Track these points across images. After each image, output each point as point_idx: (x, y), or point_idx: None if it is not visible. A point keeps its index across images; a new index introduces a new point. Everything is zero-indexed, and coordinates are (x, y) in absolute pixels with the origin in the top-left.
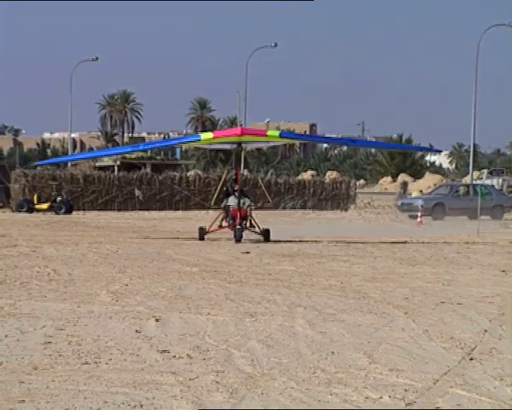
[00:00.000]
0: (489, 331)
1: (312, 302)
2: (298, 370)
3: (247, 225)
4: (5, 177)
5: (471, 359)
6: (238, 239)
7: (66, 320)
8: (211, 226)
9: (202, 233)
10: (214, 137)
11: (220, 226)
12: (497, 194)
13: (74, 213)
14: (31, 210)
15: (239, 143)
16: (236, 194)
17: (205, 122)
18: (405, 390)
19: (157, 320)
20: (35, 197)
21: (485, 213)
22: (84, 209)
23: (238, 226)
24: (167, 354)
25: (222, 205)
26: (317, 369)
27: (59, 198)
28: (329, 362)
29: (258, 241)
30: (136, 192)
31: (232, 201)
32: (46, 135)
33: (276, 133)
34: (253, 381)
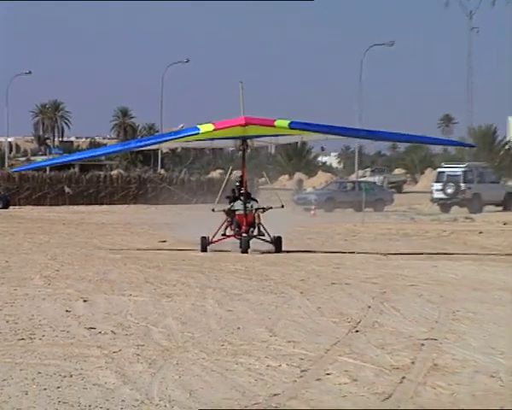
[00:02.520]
0: (372, 307)
1: (221, 284)
2: (208, 343)
3: (255, 232)
4: None
5: (357, 331)
6: (244, 249)
7: (4, 302)
8: (214, 236)
9: (205, 244)
10: (215, 130)
11: (224, 235)
12: (378, 189)
13: (11, 207)
14: None
15: (243, 140)
16: (242, 198)
17: (126, 128)
18: (301, 359)
19: (85, 301)
20: None
21: (368, 206)
22: (19, 204)
23: (244, 235)
24: (94, 330)
25: (225, 209)
26: (225, 342)
27: None
28: (235, 336)
29: (268, 252)
30: (66, 189)
31: (238, 205)
32: None
33: (285, 123)
34: (169, 353)
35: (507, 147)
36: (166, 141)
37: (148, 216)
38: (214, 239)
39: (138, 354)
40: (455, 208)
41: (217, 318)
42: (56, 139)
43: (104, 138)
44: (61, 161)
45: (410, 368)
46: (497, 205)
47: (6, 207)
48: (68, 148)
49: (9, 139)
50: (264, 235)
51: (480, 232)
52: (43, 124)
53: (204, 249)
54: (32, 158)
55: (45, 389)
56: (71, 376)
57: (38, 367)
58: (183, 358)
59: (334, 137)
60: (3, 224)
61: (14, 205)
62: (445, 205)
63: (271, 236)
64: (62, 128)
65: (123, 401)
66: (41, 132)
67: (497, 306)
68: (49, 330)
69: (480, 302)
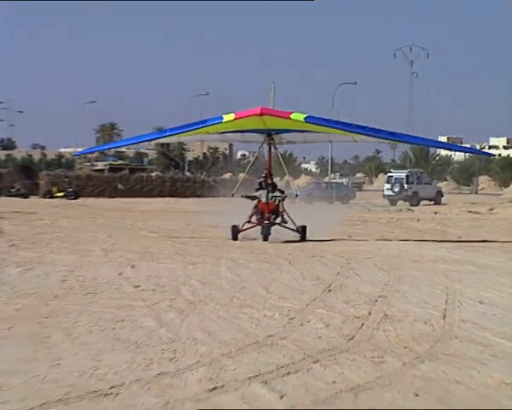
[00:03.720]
0: (340, 274)
1: (231, 256)
2: (221, 298)
3: (279, 220)
4: (33, 175)
5: (329, 290)
6: (265, 236)
7: (75, 266)
8: (244, 224)
9: (235, 232)
10: (236, 119)
11: (249, 223)
12: (345, 188)
13: (80, 199)
14: (52, 197)
15: (269, 134)
16: (269, 188)
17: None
18: (289, 310)
19: (132, 267)
20: (54, 188)
21: (337, 200)
22: (85, 197)
23: (266, 222)
24: (138, 288)
25: (245, 195)
26: (234, 298)
27: (69, 189)
28: (241, 293)
29: (293, 241)
30: (119, 186)
31: (260, 194)
32: None
33: (302, 117)
34: (193, 305)
35: (437, 158)
36: (196, 129)
37: (177, 206)
38: (244, 227)
39: (171, 306)
40: (400, 202)
41: (228, 280)
42: (112, 150)
43: (146, 149)
44: (110, 146)
45: (367, 317)
46: (430, 200)
47: (76, 198)
48: (120, 155)
49: (79, 149)
50: (287, 222)
51: (418, 220)
52: (103, 139)
53: (235, 238)
54: (95, 163)
55: (104, 330)
56: (122, 321)
57: (100, 314)
58: (203, 309)
59: (361, 138)
60: (74, 211)
61: (82, 197)
62: (392, 200)
63: (296, 225)
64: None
65: (160, 339)
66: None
67: (430, 273)
68: (107, 287)
69: (418, 270)
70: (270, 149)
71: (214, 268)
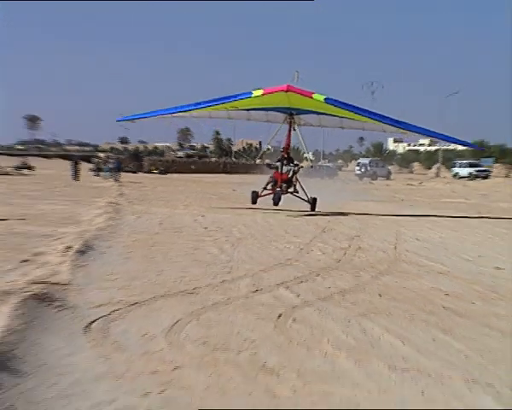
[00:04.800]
0: (330, 222)
1: (263, 210)
2: (258, 236)
3: (291, 190)
4: (140, 159)
5: (324, 232)
6: (276, 202)
7: (167, 216)
8: (262, 191)
9: (255, 197)
10: (264, 94)
11: (266, 190)
12: (331, 169)
13: (167, 175)
14: (150, 172)
15: (290, 113)
16: (284, 161)
17: (218, 139)
18: (300, 244)
19: (202, 216)
20: (152, 168)
21: (326, 176)
22: (171, 173)
23: (278, 189)
24: (206, 229)
25: (266, 163)
26: (265, 236)
27: (161, 168)
28: (270, 233)
29: (305, 211)
30: (192, 167)
31: (277, 164)
32: None
33: (322, 98)
34: (240, 240)
35: (387, 151)
36: (227, 103)
37: (228, 180)
38: (262, 194)
39: (227, 240)
40: (365, 178)
41: (261, 225)
42: (187, 145)
43: (208, 144)
44: (151, 114)
45: (348, 248)
46: (384, 177)
47: (165, 174)
48: (192, 147)
49: (167, 144)
50: (298, 192)
51: (376, 189)
52: (182, 137)
53: (254, 202)
54: (177, 153)
55: (187, 254)
56: (197, 249)
57: (183, 244)
58: (247, 242)
59: (369, 125)
60: (165, 181)
61: (169, 173)
62: (360, 177)
63: (308, 196)
64: (189, 140)
65: (221, 260)
66: (181, 141)
67: (386, 222)
68: (187, 228)
69: (379, 220)
70: (290, 127)
71: (253, 217)
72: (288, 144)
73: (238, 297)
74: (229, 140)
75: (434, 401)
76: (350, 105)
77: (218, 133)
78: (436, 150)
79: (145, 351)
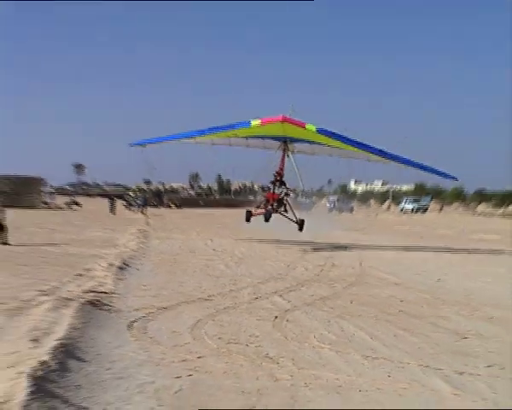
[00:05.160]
0: (310, 245)
1: (258, 235)
2: (255, 257)
3: (281, 210)
4: (161, 196)
5: (305, 252)
6: (267, 218)
7: (184, 241)
8: (255, 210)
9: (249, 215)
10: (262, 124)
11: (258, 208)
12: (308, 203)
13: (182, 208)
14: (169, 207)
15: (284, 141)
16: (276, 183)
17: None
18: (287, 262)
19: (211, 240)
20: (170, 203)
21: (303, 209)
22: (185, 207)
23: (269, 207)
24: (215, 251)
25: (262, 188)
26: (261, 257)
27: (177, 203)
28: (264, 254)
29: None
30: (200, 202)
31: (271, 186)
32: None
33: (314, 128)
34: (241, 259)
35: (350, 191)
36: (228, 131)
37: (229, 212)
38: (255, 212)
39: (231, 259)
40: (333, 212)
41: (257, 248)
42: (197, 185)
43: (212, 184)
44: (157, 140)
45: (324, 266)
46: (348, 211)
47: (180, 208)
48: (201, 187)
49: (181, 184)
50: (287, 212)
51: (343, 220)
52: (192, 179)
53: (248, 220)
54: (189, 192)
55: (201, 270)
56: (208, 266)
57: (197, 263)
58: (247, 261)
59: (358, 154)
60: (180, 214)
61: (183, 207)
62: (330, 210)
63: (297, 217)
64: (198, 181)
65: (227, 274)
66: (191, 182)
67: (358, 250)
68: (200, 250)
69: (347, 243)
70: (284, 153)
71: (250, 243)
72: (282, 168)
73: (243, 303)
74: (228, 181)
75: (398, 381)
76: (339, 135)
77: (220, 176)
78: (387, 190)
79: (175, 344)
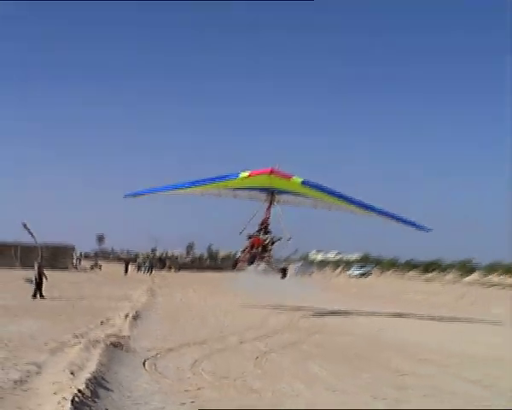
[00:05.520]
0: (280, 302)
1: (242, 294)
2: (238, 311)
3: (265, 256)
4: (164, 261)
5: (277, 308)
6: (250, 261)
7: (183, 297)
8: (241, 256)
9: (235, 263)
10: (249, 176)
11: (244, 255)
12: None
13: (181, 271)
14: (170, 269)
15: (272, 193)
16: (262, 231)
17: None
18: (264, 315)
19: (205, 300)
20: (172, 266)
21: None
22: (183, 270)
23: (254, 250)
24: (206, 304)
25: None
26: (243, 311)
27: (176, 267)
28: (245, 310)
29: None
30: (195, 267)
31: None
32: None
33: (299, 180)
34: (228, 312)
35: (311, 259)
36: (217, 182)
37: (214, 276)
38: (241, 259)
39: (220, 312)
40: (298, 275)
41: (240, 304)
42: (192, 252)
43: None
44: (147, 191)
45: (293, 318)
46: (309, 274)
47: (179, 271)
48: (197, 255)
49: (179, 250)
50: (270, 258)
51: (305, 282)
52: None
53: (234, 267)
54: (186, 258)
55: (198, 321)
56: (203, 317)
57: (195, 315)
58: (232, 314)
59: (340, 206)
60: (179, 275)
61: (182, 270)
62: (296, 274)
63: (279, 267)
64: (193, 249)
65: (218, 324)
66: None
67: (314, 301)
68: (195, 305)
69: (310, 299)
70: (270, 203)
71: (234, 299)
72: (268, 217)
73: (231, 346)
74: (217, 251)
75: (352, 406)
76: (323, 187)
77: (210, 246)
78: (339, 259)
79: (179, 378)
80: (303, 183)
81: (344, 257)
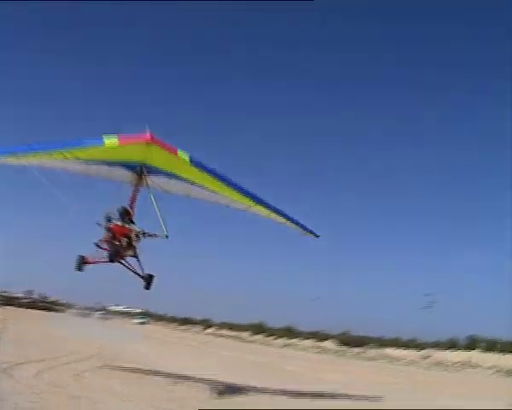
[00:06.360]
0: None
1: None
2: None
3: (131, 253)
4: None
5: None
6: (111, 258)
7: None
8: (94, 254)
9: (81, 262)
10: (120, 144)
11: (99, 247)
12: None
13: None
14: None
15: (140, 173)
16: (125, 218)
17: None
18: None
19: (198, 348)
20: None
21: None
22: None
23: (117, 243)
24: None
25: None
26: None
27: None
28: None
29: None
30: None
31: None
32: None
33: (186, 157)
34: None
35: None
36: (69, 149)
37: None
38: (94, 259)
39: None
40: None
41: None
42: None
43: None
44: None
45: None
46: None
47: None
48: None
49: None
50: (138, 258)
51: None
52: None
53: (79, 268)
54: None
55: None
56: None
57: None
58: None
59: (218, 198)
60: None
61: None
62: (139, 323)
63: (144, 271)
64: None
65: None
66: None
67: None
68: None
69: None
70: (137, 187)
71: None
72: (132, 205)
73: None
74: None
75: None
76: (213, 170)
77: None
78: (128, 311)
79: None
80: (191, 161)
81: (132, 311)
